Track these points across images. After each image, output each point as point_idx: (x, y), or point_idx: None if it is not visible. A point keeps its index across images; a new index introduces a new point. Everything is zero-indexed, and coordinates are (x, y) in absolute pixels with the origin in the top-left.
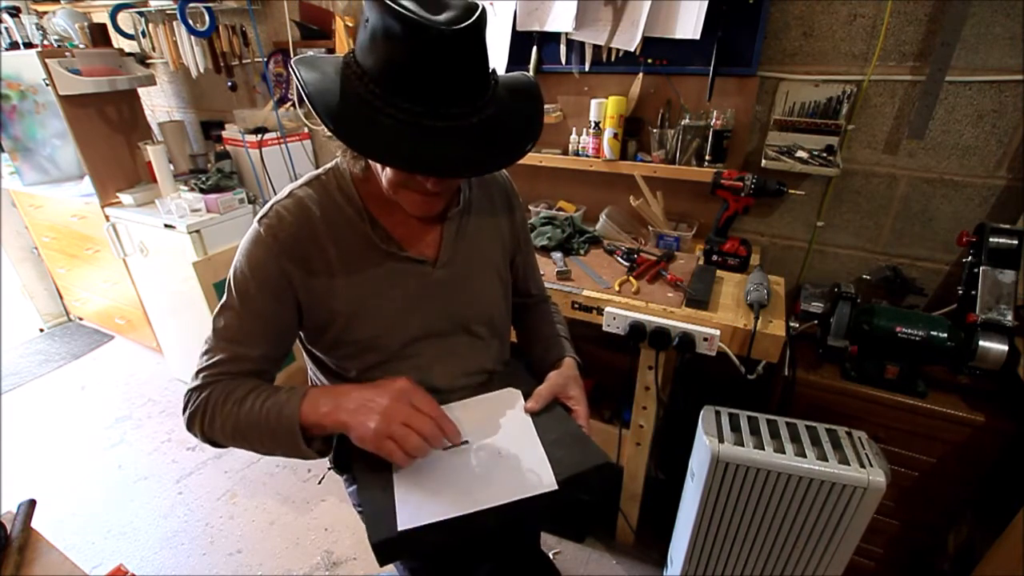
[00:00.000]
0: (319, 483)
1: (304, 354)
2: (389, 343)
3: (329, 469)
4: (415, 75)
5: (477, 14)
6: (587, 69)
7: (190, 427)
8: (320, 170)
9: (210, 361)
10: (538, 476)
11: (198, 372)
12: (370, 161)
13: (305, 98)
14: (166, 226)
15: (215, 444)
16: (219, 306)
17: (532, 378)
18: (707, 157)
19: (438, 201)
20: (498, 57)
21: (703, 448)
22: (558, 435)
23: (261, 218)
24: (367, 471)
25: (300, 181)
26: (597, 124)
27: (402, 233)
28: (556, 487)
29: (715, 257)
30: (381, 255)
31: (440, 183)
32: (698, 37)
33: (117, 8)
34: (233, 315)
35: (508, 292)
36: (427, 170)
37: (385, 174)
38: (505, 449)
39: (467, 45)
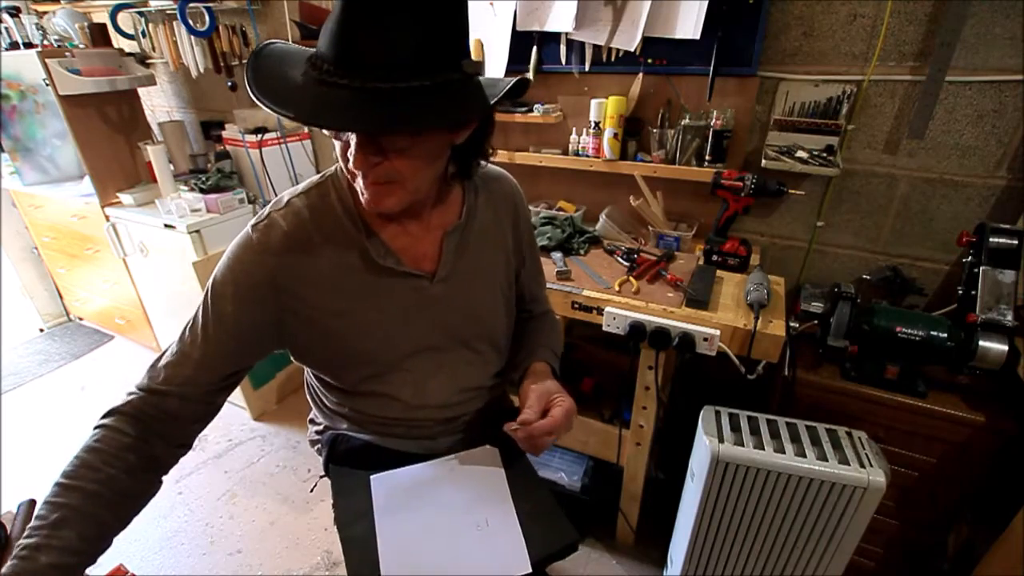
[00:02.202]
0: (311, 491)
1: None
2: (383, 357)
3: (321, 477)
4: (334, 34)
5: None
6: (587, 69)
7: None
8: (319, 176)
9: (145, 377)
10: (514, 556)
11: (148, 372)
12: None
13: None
14: (166, 226)
15: None
16: (194, 312)
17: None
18: (707, 157)
19: (384, 194)
20: (498, 57)
21: (703, 448)
22: (532, 505)
23: (255, 224)
24: (351, 520)
25: (298, 188)
26: (597, 124)
27: (400, 244)
28: (530, 570)
29: (715, 257)
30: (377, 269)
31: (364, 161)
32: (698, 37)
33: (117, 8)
34: (198, 321)
35: (511, 307)
36: (299, 115)
37: (339, 158)
38: (483, 520)
39: (392, 8)
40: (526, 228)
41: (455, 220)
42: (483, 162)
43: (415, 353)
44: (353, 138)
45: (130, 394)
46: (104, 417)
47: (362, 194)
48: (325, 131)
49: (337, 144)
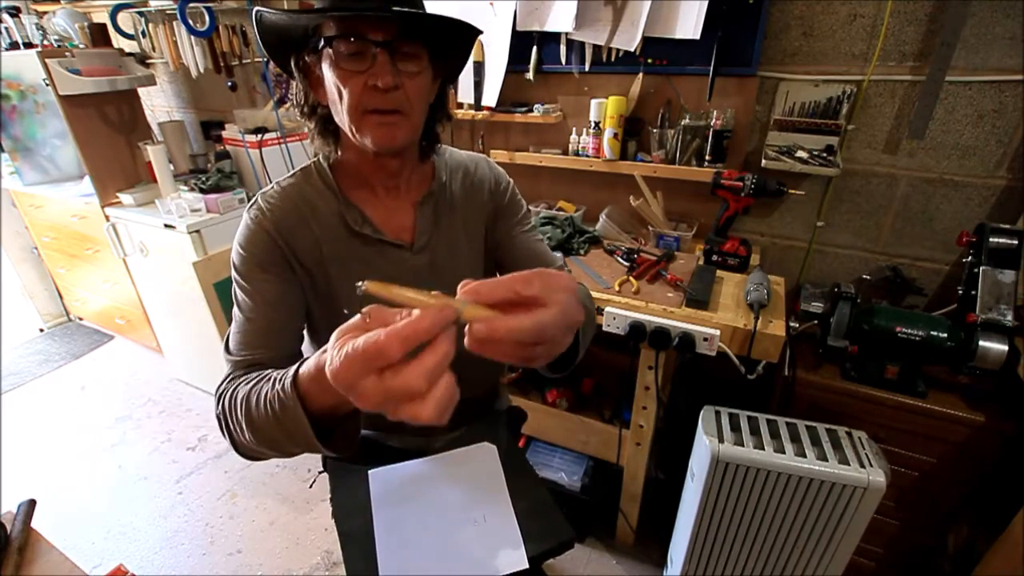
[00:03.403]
0: (310, 487)
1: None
2: None
3: (320, 472)
4: None
5: None
6: (587, 69)
7: (230, 442)
8: (305, 163)
9: (229, 361)
10: (511, 553)
11: (226, 358)
12: (343, 129)
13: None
14: (166, 226)
15: (254, 458)
16: (234, 299)
17: (507, 429)
18: (707, 157)
19: (397, 128)
20: (498, 57)
21: (703, 448)
22: (529, 503)
23: (248, 208)
24: (348, 514)
25: (286, 175)
26: (597, 124)
27: (376, 215)
28: (526, 566)
29: (715, 257)
30: (356, 238)
31: (390, 77)
32: (698, 37)
33: (117, 8)
34: (243, 299)
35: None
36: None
37: (346, 106)
38: (480, 516)
39: None
40: (509, 199)
41: (426, 189)
42: (446, 146)
43: None
44: (378, 61)
45: (225, 380)
46: (219, 396)
47: (369, 137)
48: (344, 63)
49: (347, 91)
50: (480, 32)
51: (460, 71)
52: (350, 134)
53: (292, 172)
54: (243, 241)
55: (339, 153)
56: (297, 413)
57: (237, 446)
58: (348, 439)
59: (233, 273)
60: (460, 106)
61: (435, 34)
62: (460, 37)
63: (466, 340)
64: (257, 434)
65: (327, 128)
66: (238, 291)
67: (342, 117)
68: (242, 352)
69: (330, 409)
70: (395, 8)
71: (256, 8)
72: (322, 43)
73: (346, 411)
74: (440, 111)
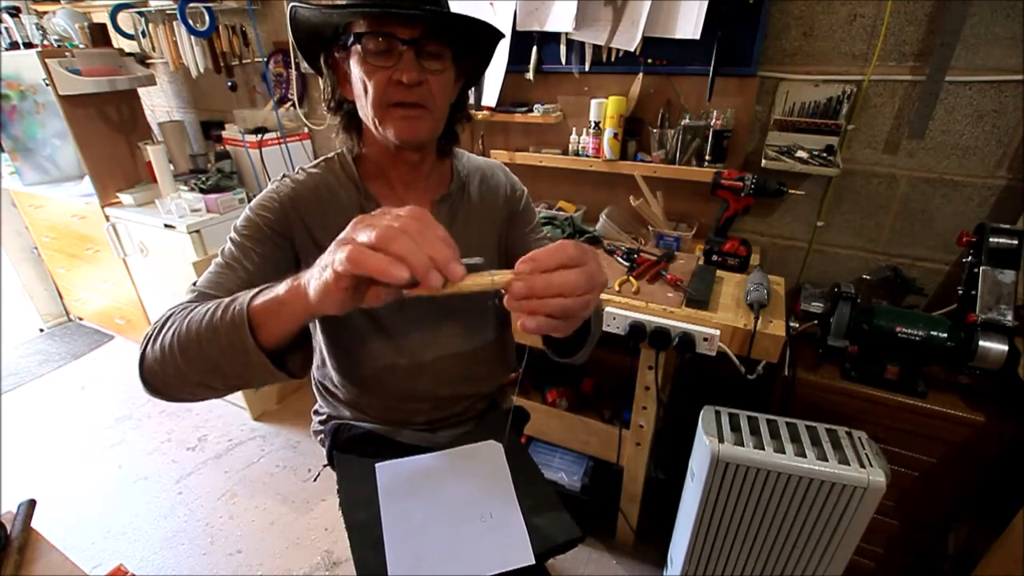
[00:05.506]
0: (314, 480)
1: (316, 346)
2: (381, 319)
3: (324, 466)
4: None
5: None
6: (587, 69)
7: (140, 359)
8: (328, 154)
9: (190, 292)
10: (517, 548)
11: (188, 291)
12: (367, 123)
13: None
14: (166, 226)
15: (153, 386)
16: (222, 249)
17: (512, 430)
18: (707, 157)
19: (420, 121)
20: (498, 57)
21: (703, 448)
22: (536, 500)
23: (273, 180)
24: (355, 506)
25: (310, 163)
26: (597, 124)
27: (393, 207)
28: (533, 562)
29: (715, 257)
30: None
31: (416, 73)
32: (698, 37)
33: (117, 8)
34: (231, 249)
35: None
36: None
37: (370, 100)
38: (486, 512)
39: None
40: (523, 205)
41: (442, 189)
42: (463, 151)
43: (411, 322)
44: (404, 58)
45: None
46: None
47: (392, 129)
48: (372, 59)
49: (371, 85)
50: (503, 36)
51: (482, 74)
52: (373, 128)
53: (316, 161)
54: (256, 203)
55: (361, 148)
56: (240, 317)
57: (146, 363)
58: (302, 362)
59: (233, 228)
60: None
61: (460, 35)
62: (483, 40)
63: (506, 299)
64: (180, 339)
65: (351, 123)
66: (230, 242)
67: (367, 111)
68: (208, 289)
69: (276, 339)
70: (424, 7)
71: (292, 4)
72: (351, 39)
73: (291, 335)
74: (460, 112)
